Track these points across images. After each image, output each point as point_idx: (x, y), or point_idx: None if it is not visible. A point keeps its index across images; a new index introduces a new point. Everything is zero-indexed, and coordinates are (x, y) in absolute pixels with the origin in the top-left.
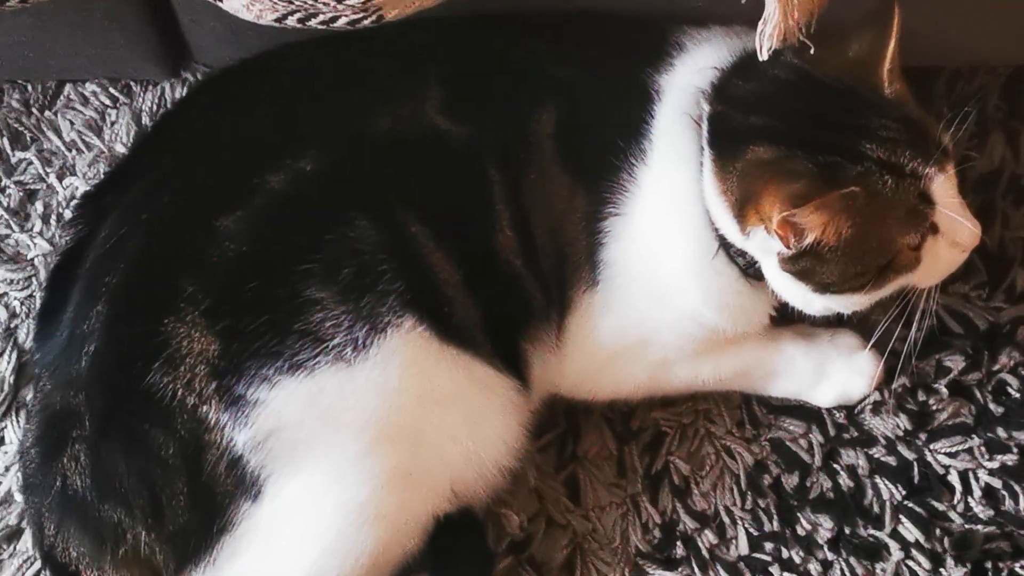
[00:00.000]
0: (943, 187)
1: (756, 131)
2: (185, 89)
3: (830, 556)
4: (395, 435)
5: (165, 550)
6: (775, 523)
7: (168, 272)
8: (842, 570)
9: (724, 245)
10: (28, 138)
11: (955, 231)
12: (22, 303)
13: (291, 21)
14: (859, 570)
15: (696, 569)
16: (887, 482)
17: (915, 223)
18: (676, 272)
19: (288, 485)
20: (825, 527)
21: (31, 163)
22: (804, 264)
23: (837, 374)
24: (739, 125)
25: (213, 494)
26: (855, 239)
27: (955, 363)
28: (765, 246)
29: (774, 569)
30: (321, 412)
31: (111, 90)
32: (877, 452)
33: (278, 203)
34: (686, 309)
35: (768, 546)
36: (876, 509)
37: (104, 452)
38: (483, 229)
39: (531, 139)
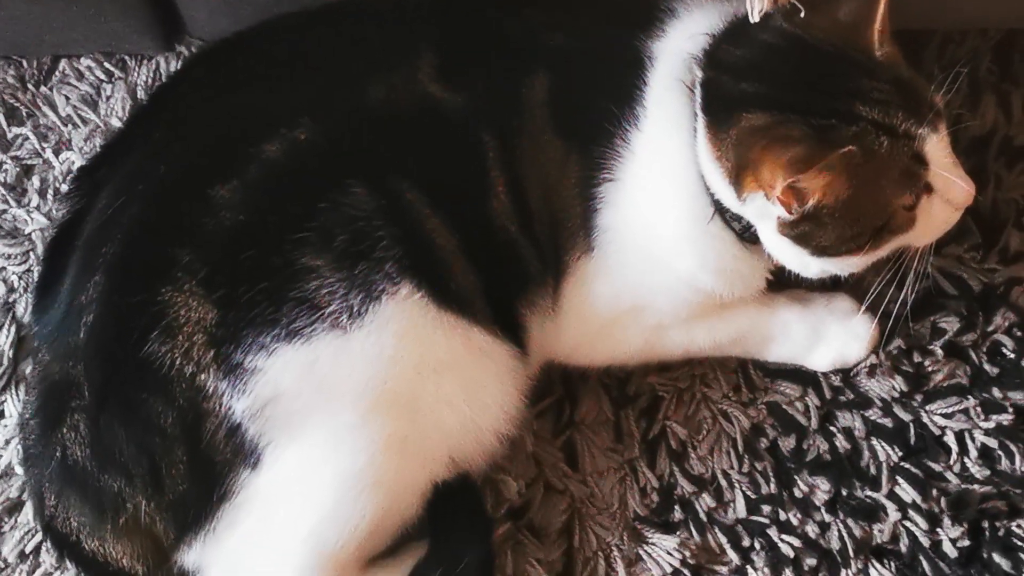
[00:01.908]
0: (936, 147)
1: (748, 97)
2: (180, 63)
3: (827, 518)
4: (392, 402)
5: (165, 519)
6: (772, 486)
7: (164, 242)
8: (839, 531)
9: (719, 210)
10: (24, 113)
11: (949, 190)
12: (20, 277)
13: None
14: (856, 531)
15: (694, 532)
16: (883, 444)
17: (910, 183)
18: (672, 237)
19: (286, 453)
20: (822, 489)
21: (27, 138)
22: (803, 228)
23: (833, 338)
24: (731, 91)
25: (212, 463)
26: (851, 201)
27: (950, 324)
28: (763, 211)
29: (772, 531)
30: (318, 380)
31: (106, 64)
32: (873, 414)
33: (273, 172)
34: (682, 274)
35: (766, 508)
36: (873, 471)
37: (103, 422)
38: (478, 196)
39: (524, 106)
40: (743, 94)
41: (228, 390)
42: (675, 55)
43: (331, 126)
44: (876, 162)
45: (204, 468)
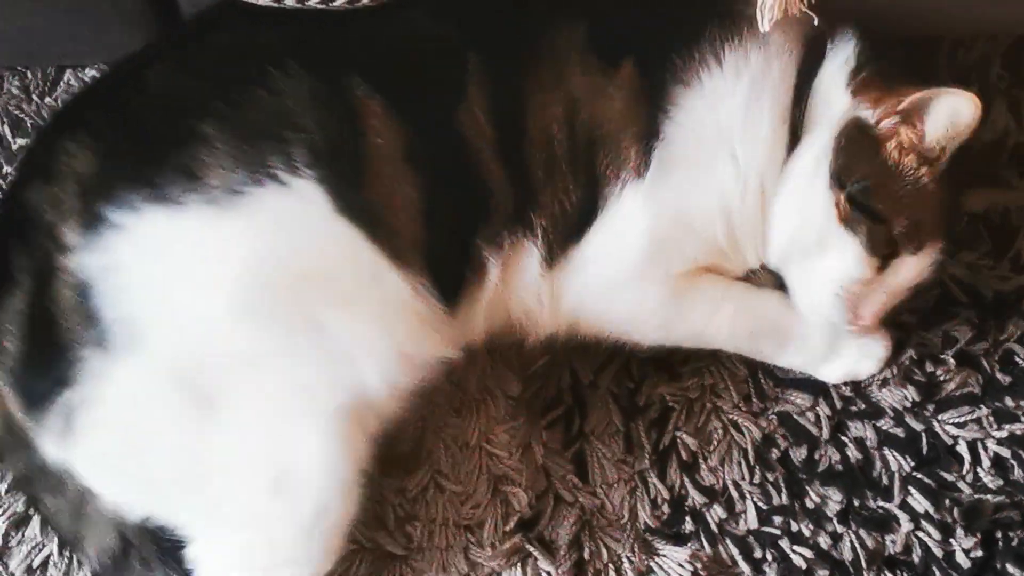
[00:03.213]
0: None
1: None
2: None
3: (839, 529)
4: (255, 301)
5: (9, 383)
6: (784, 497)
7: (84, 111)
8: (852, 542)
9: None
10: (29, 125)
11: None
12: None
13: (289, 1)
14: (869, 542)
15: (705, 544)
16: (895, 454)
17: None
18: (746, 126)
19: (141, 347)
20: (834, 500)
21: None
22: (857, 153)
23: (848, 354)
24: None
25: (56, 325)
26: (904, 197)
27: (962, 333)
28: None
29: (783, 543)
30: (182, 255)
31: None
32: (885, 424)
33: (213, 52)
34: (733, 185)
35: (777, 520)
36: (885, 481)
37: None
38: (446, 108)
39: (551, 42)
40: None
41: (85, 244)
42: None
43: (292, 26)
44: (936, 203)
45: (45, 332)
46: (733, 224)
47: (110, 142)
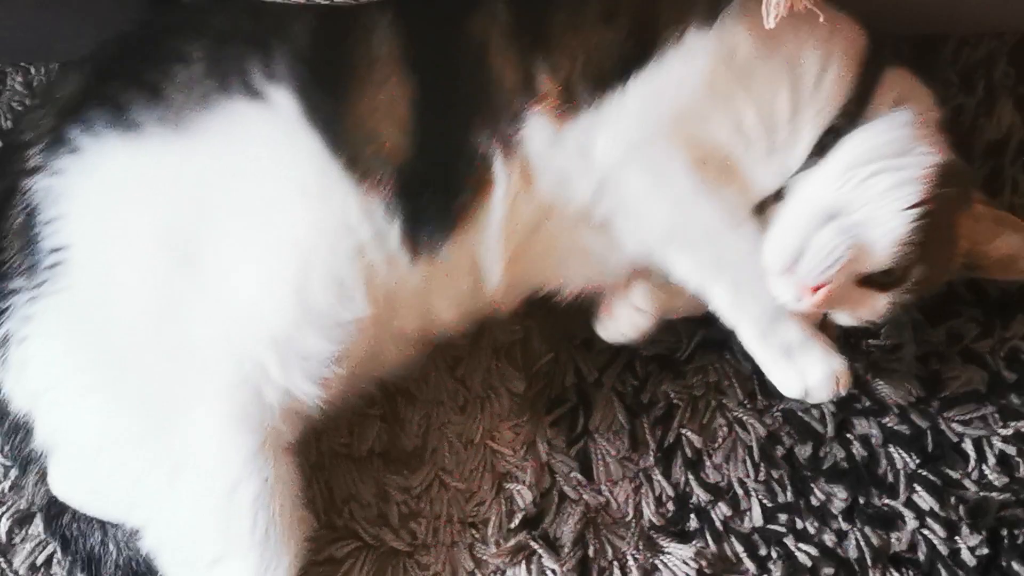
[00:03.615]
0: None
1: None
2: None
3: (845, 526)
4: (177, 244)
5: None
6: (789, 494)
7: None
8: (857, 540)
9: None
10: None
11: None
12: None
13: None
14: (874, 539)
15: (710, 541)
16: (901, 451)
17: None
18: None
19: (63, 288)
20: (839, 497)
21: None
22: (949, 183)
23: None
24: None
25: (3, 251)
26: (935, 254)
27: (967, 330)
28: None
29: (788, 540)
30: (121, 192)
31: None
32: (890, 421)
33: None
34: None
35: (782, 517)
36: (890, 478)
37: None
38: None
39: None
40: None
41: (43, 166)
42: None
43: None
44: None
45: None
46: (801, 96)
47: (100, 66)
